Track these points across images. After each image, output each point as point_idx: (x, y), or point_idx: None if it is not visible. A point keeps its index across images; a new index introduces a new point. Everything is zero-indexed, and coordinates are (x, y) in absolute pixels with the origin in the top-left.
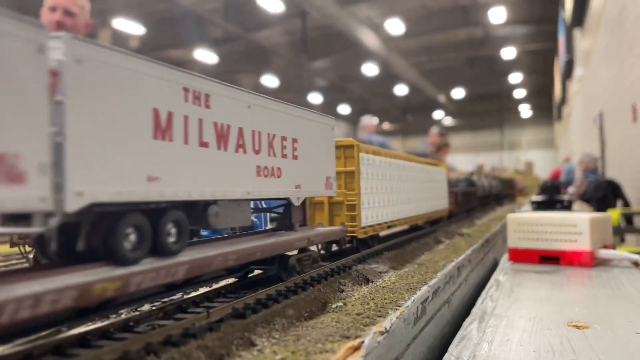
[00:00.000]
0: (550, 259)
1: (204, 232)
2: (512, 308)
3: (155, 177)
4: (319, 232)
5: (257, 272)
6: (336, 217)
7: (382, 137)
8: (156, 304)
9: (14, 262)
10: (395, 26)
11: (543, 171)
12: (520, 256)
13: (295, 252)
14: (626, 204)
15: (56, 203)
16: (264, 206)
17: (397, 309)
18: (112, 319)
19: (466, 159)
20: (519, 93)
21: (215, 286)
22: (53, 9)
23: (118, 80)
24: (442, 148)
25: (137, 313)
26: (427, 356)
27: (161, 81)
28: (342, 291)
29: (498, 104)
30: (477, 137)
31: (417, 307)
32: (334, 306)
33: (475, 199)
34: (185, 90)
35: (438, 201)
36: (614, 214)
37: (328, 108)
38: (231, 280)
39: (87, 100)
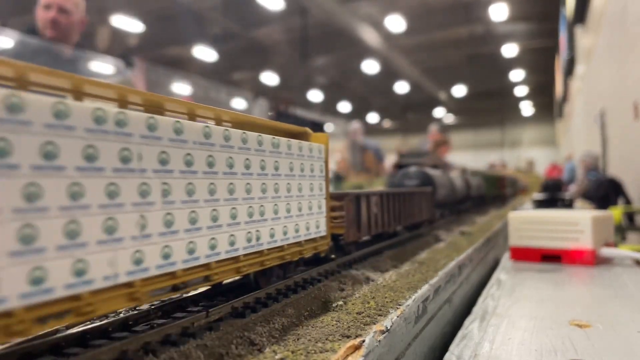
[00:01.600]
0: (551, 257)
1: None
2: (513, 307)
3: None
4: None
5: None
6: None
7: (375, 142)
8: (155, 302)
9: None
10: (396, 23)
11: (544, 169)
12: (522, 255)
13: None
14: (628, 202)
15: None
16: None
17: (397, 308)
18: (111, 318)
19: (467, 157)
20: (520, 91)
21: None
22: (48, 7)
23: None
24: (440, 145)
25: (135, 312)
26: (428, 355)
27: None
28: (343, 290)
29: (499, 102)
30: (478, 135)
31: (418, 306)
32: (334, 305)
33: (426, 208)
34: None
35: (292, 221)
36: (616, 212)
37: (328, 105)
38: (230, 279)
39: None
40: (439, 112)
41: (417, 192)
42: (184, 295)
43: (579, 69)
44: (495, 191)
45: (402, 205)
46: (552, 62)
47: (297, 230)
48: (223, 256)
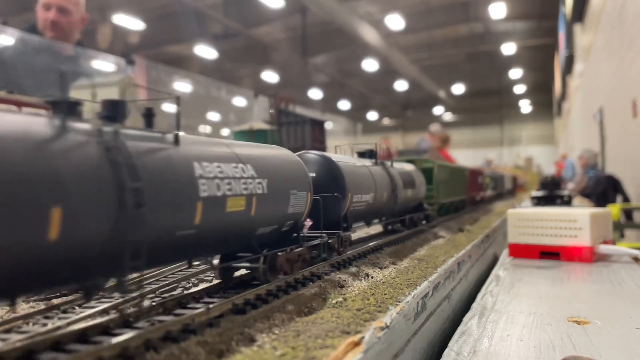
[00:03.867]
0: (550, 254)
1: None
2: (512, 303)
3: None
4: None
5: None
6: None
7: None
8: (156, 299)
9: None
10: (395, 22)
11: (542, 167)
12: (521, 252)
13: None
14: (626, 199)
15: None
16: None
17: (397, 305)
18: (112, 314)
19: (466, 155)
20: (519, 89)
21: (215, 282)
22: (47, 7)
23: None
24: (447, 142)
25: (136, 309)
26: (428, 351)
27: None
28: (342, 287)
29: (498, 100)
30: (477, 133)
31: (418, 303)
32: (334, 302)
33: None
34: None
35: None
36: (614, 210)
37: (328, 104)
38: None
39: None
40: (438, 110)
41: None
42: (185, 292)
43: (578, 66)
44: (455, 195)
45: None
46: (550, 60)
47: None
48: None
